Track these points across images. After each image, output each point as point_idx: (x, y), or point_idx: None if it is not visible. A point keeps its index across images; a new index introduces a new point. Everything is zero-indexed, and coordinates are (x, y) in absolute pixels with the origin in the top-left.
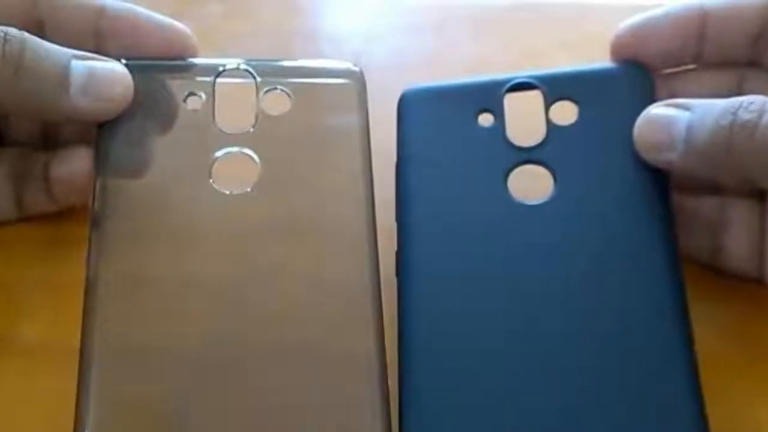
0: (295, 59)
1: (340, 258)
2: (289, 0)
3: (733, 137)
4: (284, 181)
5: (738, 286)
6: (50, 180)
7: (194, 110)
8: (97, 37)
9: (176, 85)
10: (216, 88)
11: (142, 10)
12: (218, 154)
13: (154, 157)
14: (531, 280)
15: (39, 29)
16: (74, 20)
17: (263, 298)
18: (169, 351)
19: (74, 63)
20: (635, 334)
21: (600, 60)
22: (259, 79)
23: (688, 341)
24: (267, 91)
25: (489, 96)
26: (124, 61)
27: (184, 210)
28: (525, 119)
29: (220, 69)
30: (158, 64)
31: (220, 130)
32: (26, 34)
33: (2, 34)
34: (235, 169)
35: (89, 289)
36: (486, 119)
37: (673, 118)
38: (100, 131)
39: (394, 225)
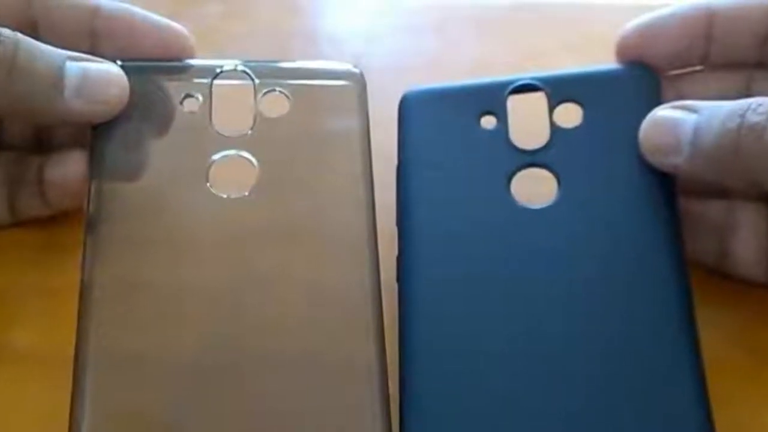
0: (294, 60)
1: (340, 263)
2: (288, 0)
3: (740, 140)
4: (283, 185)
5: (745, 291)
6: (44, 184)
7: (191, 112)
8: (92, 38)
9: (173, 87)
10: (213, 89)
11: (138, 10)
12: (215, 157)
13: (150, 160)
14: (535, 285)
15: (33, 30)
16: (69, 20)
17: (261, 303)
18: (166, 358)
19: (69, 64)
20: (641, 340)
21: (605, 61)
22: (257, 80)
23: (695, 347)
24: (265, 93)
25: (492, 98)
26: (119, 62)
27: (180, 214)
28: (528, 122)
29: (218, 70)
30: (154, 66)
31: (218, 133)
32: (20, 35)
33: None
34: (233, 172)
35: (84, 295)
36: (489, 121)
37: (680, 120)
38: (95, 134)
39: (395, 229)
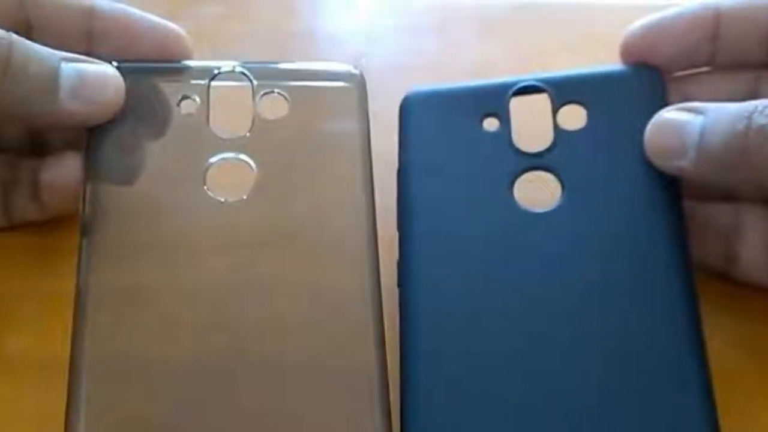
0: (293, 61)
1: (340, 268)
2: (287, 0)
3: (748, 142)
4: (281, 188)
5: (752, 296)
6: (39, 187)
7: (188, 114)
8: (88, 39)
9: (170, 89)
10: (211, 91)
11: (134, 11)
12: (213, 159)
13: (147, 163)
14: (538, 290)
15: (26, 30)
16: (63, 21)
17: (260, 309)
18: (163, 364)
19: (64, 65)
20: (646, 347)
21: (609, 62)
22: (255, 81)
23: (701, 352)
24: (264, 95)
25: (494, 99)
26: (115, 63)
27: (177, 218)
28: (531, 124)
29: (215, 71)
30: (151, 67)
31: (215, 135)
32: (14, 36)
33: None
34: (231, 175)
35: (79, 300)
36: (491, 124)
37: (686, 122)
38: (91, 136)
39: (396, 233)
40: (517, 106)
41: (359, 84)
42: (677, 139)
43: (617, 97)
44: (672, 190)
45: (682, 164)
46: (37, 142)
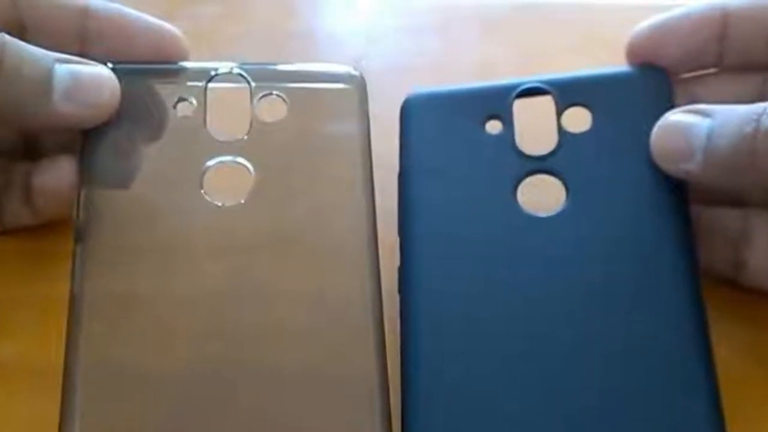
0: (292, 62)
1: (340, 274)
2: (286, 0)
3: (756, 145)
4: (280, 192)
5: (761, 303)
6: (32, 191)
7: (185, 117)
8: (82, 40)
9: (166, 91)
10: (208, 93)
11: (130, 11)
12: (210, 163)
13: (142, 166)
14: (542, 296)
15: (20, 31)
16: (57, 21)
17: (258, 316)
18: (158, 372)
19: (58, 67)
20: (652, 355)
21: (614, 63)
22: (253, 83)
23: (708, 360)
24: (262, 97)
25: (497, 102)
26: (110, 64)
27: (173, 223)
28: (535, 126)
29: (213, 73)
30: (147, 68)
31: (212, 138)
32: (6, 36)
33: None
34: (228, 179)
35: (73, 307)
36: (494, 126)
37: (693, 125)
38: (85, 139)
39: (397, 238)
40: (521, 108)
41: (359, 85)
42: (684, 142)
43: (623, 99)
44: (678, 194)
45: (688, 168)
46: (31, 144)
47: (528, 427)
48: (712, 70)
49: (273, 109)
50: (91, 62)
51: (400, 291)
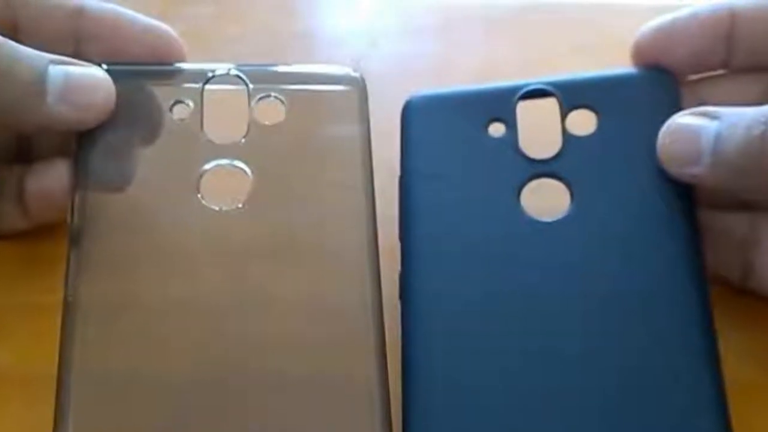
0: (291, 64)
1: (339, 279)
2: (284, 0)
3: (765, 148)
4: (278, 197)
5: None
6: (25, 195)
7: (181, 119)
8: (77, 40)
9: (162, 92)
10: (205, 95)
11: (125, 11)
12: (207, 166)
13: (138, 169)
14: (546, 303)
15: (13, 32)
16: (51, 22)
17: (256, 322)
18: (154, 382)
19: (51, 68)
20: (659, 362)
21: (620, 64)
22: (251, 85)
23: (716, 369)
24: (260, 99)
25: (500, 104)
26: (105, 66)
27: (170, 227)
28: (539, 129)
29: (210, 75)
30: (142, 70)
31: (209, 141)
32: None
33: None
34: (226, 182)
35: (67, 313)
36: (497, 129)
37: (700, 127)
38: (80, 142)
39: (397, 244)
40: (524, 110)
41: (359, 87)
42: (691, 145)
43: (629, 102)
44: (686, 198)
45: (696, 171)
46: (24, 147)
47: (534, 431)
48: (719, 72)
49: (271, 112)
50: (86, 63)
51: (400, 297)
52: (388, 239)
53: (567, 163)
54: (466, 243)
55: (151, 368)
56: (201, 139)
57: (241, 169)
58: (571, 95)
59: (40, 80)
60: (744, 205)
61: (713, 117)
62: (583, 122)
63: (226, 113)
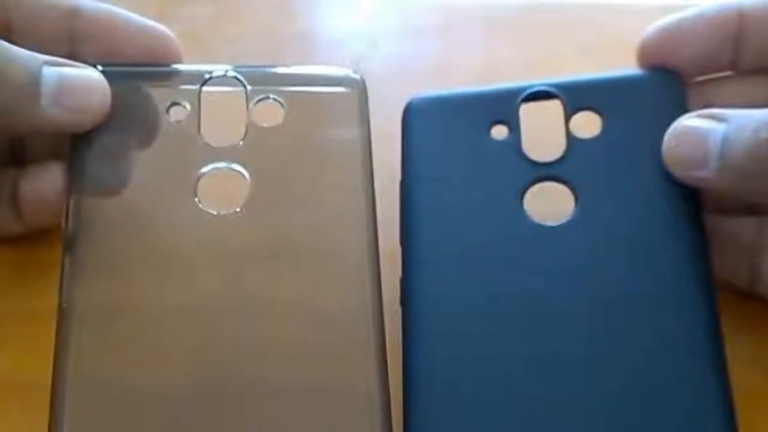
0: (289, 65)
1: (339, 285)
2: (283, 1)
3: None
4: (277, 201)
5: None
6: (19, 199)
7: (178, 121)
8: (71, 41)
9: (158, 94)
10: (202, 97)
11: (120, 11)
12: (204, 170)
13: (134, 173)
14: (550, 308)
15: (6, 32)
16: (45, 22)
17: (254, 329)
18: (151, 388)
19: (45, 69)
20: (665, 369)
21: (625, 66)
22: (249, 87)
23: (723, 376)
24: (258, 101)
25: (503, 106)
26: (100, 67)
27: (166, 232)
28: (543, 132)
29: (207, 76)
30: (138, 71)
31: (207, 144)
32: None
33: None
34: (223, 186)
35: (62, 319)
36: (500, 132)
37: (707, 130)
38: (74, 145)
39: (398, 249)
40: (528, 112)
41: (359, 89)
42: (698, 148)
43: (634, 104)
44: (692, 202)
45: (703, 175)
46: (18, 150)
47: None
48: (727, 73)
49: (270, 114)
50: (80, 64)
51: (402, 303)
52: (388, 243)
53: (571, 166)
54: (468, 248)
55: (148, 375)
56: (198, 141)
57: (239, 172)
58: (575, 97)
59: (33, 82)
60: (751, 210)
61: (720, 119)
62: (588, 124)
63: (223, 115)
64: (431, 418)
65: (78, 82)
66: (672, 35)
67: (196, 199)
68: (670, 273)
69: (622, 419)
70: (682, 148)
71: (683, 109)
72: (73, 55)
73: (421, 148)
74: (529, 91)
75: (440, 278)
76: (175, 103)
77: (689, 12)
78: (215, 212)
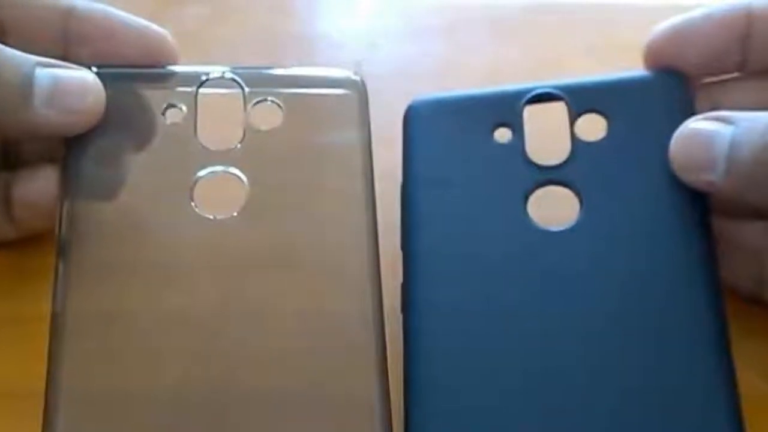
0: (288, 66)
1: (339, 292)
2: (281, 1)
3: None
4: (275, 205)
5: None
6: (12, 203)
7: (174, 124)
8: (65, 42)
9: (154, 96)
10: (199, 99)
11: (115, 12)
12: (201, 173)
13: (129, 177)
14: (554, 315)
15: None
16: (39, 22)
17: (252, 336)
18: (146, 397)
19: (39, 71)
20: (672, 375)
21: (631, 67)
22: (247, 89)
23: (731, 382)
24: (256, 103)
25: (506, 108)
26: (95, 68)
27: (162, 237)
28: (547, 135)
29: (203, 78)
30: (134, 73)
31: (203, 147)
32: None
33: None
34: (220, 190)
35: (55, 326)
36: (503, 135)
37: (715, 133)
38: (68, 148)
39: (399, 254)
40: (532, 115)
41: (360, 91)
42: (705, 151)
43: (640, 106)
44: (699, 206)
45: (710, 178)
46: (10, 153)
47: None
48: (735, 75)
49: (268, 116)
50: (75, 66)
51: (402, 310)
52: (389, 249)
53: (576, 169)
54: (470, 253)
55: (143, 384)
56: (195, 144)
57: (237, 176)
58: (581, 99)
59: (26, 83)
60: (759, 214)
61: (728, 122)
62: (593, 127)
63: (220, 118)
64: (433, 427)
65: (72, 84)
66: (679, 35)
67: (193, 204)
68: (676, 279)
69: (629, 428)
70: (689, 151)
71: (690, 112)
72: (68, 56)
73: (423, 152)
74: (533, 93)
75: (442, 285)
76: (171, 105)
77: (697, 12)
78: (212, 217)
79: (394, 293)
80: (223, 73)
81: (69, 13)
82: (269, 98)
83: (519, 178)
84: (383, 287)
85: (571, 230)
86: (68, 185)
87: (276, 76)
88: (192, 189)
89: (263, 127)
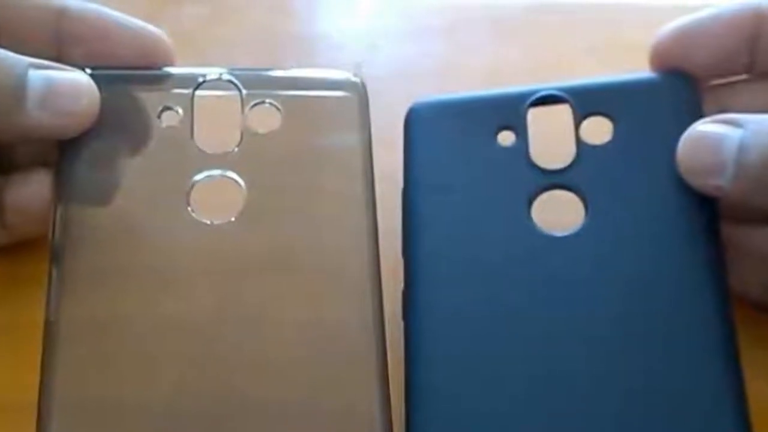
0: (286, 68)
1: (339, 297)
2: (280, 1)
3: None
4: (273, 210)
5: None
6: (4, 208)
7: (170, 127)
8: (59, 43)
9: (149, 98)
10: (195, 101)
11: (110, 12)
12: (198, 177)
13: (124, 181)
14: (559, 322)
15: None
16: (31, 23)
17: (250, 344)
18: (141, 405)
19: (32, 73)
20: (679, 383)
21: (637, 69)
22: (244, 91)
23: (739, 391)
24: (254, 105)
25: (510, 111)
26: (89, 70)
27: (158, 242)
28: (551, 138)
29: (200, 80)
30: (129, 74)
31: (200, 150)
32: None
33: None
34: (217, 194)
35: (49, 333)
36: (506, 138)
37: (723, 136)
38: (62, 151)
39: (400, 260)
40: (536, 117)
41: (360, 93)
42: (713, 154)
43: (646, 108)
44: (707, 211)
45: (718, 182)
46: (3, 157)
47: None
48: (743, 77)
49: (266, 119)
50: (68, 67)
51: (404, 316)
52: (390, 254)
53: (581, 173)
54: (473, 259)
55: (138, 392)
56: (191, 148)
57: (234, 180)
58: (586, 101)
59: (19, 85)
60: None
61: (737, 125)
62: (598, 130)
63: (217, 121)
64: None
65: (65, 86)
66: (687, 36)
67: (189, 208)
68: (683, 285)
69: None
70: (697, 154)
71: (698, 114)
72: (62, 58)
73: (424, 155)
74: (537, 96)
75: (444, 291)
76: (167, 108)
77: (705, 13)
78: (209, 222)
79: (395, 299)
80: (221, 74)
81: (62, 14)
82: (267, 100)
83: (523, 182)
84: (384, 293)
85: (576, 235)
86: (62, 189)
87: (274, 78)
88: (189, 193)
89: (261, 130)
